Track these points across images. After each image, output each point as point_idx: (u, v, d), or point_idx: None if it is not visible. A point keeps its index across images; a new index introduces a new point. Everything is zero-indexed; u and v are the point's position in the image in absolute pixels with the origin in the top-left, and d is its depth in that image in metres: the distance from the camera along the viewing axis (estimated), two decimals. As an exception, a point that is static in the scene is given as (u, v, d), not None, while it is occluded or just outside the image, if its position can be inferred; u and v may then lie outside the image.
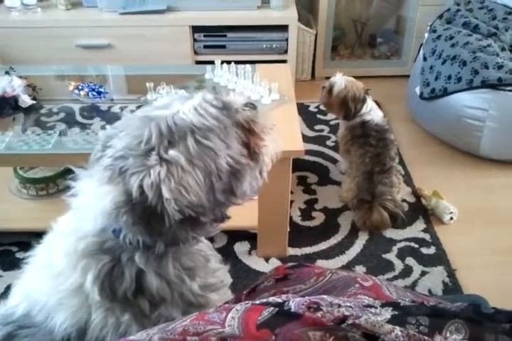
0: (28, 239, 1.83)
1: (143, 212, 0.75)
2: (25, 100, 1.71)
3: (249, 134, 0.84)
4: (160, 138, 0.76)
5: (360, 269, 1.73)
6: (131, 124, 0.81)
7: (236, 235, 1.83)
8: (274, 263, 1.75)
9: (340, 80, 1.97)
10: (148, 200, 0.74)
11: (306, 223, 1.94)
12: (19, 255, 1.78)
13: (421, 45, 2.52)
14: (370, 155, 1.92)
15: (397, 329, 0.59)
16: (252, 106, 0.88)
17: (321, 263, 1.76)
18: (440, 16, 2.51)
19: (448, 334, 0.61)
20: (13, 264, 1.73)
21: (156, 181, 0.74)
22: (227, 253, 1.72)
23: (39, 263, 0.89)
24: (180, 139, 0.77)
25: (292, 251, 1.80)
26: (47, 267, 0.86)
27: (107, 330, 0.83)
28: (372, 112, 1.95)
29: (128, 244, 0.80)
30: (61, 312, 0.83)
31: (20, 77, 1.79)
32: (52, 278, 0.84)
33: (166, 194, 0.74)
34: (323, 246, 1.83)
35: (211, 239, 1.01)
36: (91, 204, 0.79)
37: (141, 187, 0.74)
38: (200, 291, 0.88)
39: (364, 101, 1.95)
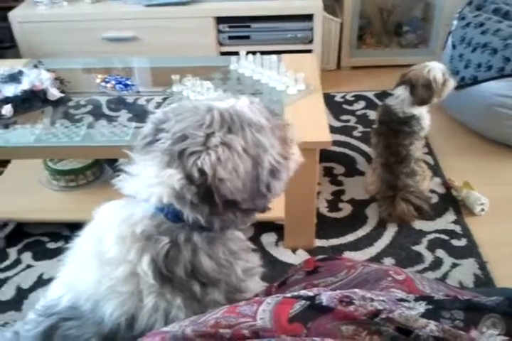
0: (59, 229, 1.87)
1: (205, 193, 0.80)
2: (54, 93, 1.73)
3: (282, 140, 0.90)
4: (222, 124, 0.82)
5: (388, 261, 1.71)
6: (189, 109, 0.86)
7: (263, 226, 1.82)
8: (301, 254, 1.75)
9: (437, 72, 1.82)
10: (208, 180, 0.79)
11: (333, 214, 1.93)
12: (50, 245, 1.82)
13: (449, 32, 2.46)
14: (381, 145, 1.90)
15: (432, 324, 0.58)
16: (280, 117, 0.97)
17: (348, 254, 1.74)
18: (469, 3, 2.44)
19: (484, 329, 0.60)
20: (45, 254, 1.78)
21: (215, 161, 0.79)
22: (254, 245, 1.72)
23: (83, 253, 0.89)
24: (239, 129, 0.83)
25: (319, 243, 1.79)
26: (93, 256, 0.85)
27: (156, 317, 0.83)
28: (401, 102, 1.85)
29: (185, 226, 0.84)
30: (111, 300, 0.83)
31: (48, 70, 1.81)
32: (101, 266, 0.84)
33: (222, 174, 0.79)
34: (350, 237, 1.82)
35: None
36: (152, 187, 0.82)
37: (201, 167, 0.79)
38: (242, 275, 0.91)
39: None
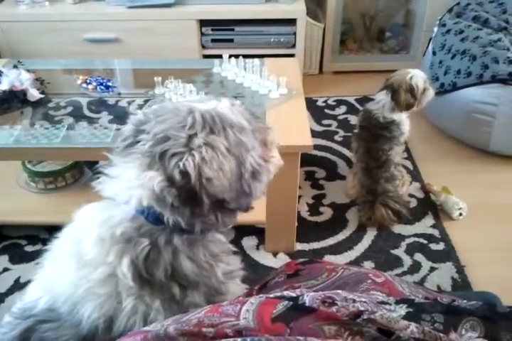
0: (37, 232, 1.84)
1: (187, 195, 0.80)
2: (34, 94, 1.71)
3: (262, 143, 0.91)
4: (203, 125, 0.82)
5: (368, 265, 1.72)
6: (170, 111, 0.85)
7: (244, 230, 1.82)
8: (282, 258, 1.75)
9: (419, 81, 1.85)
10: (192, 182, 0.78)
11: (314, 218, 1.94)
12: (28, 248, 1.78)
13: (430, 39, 2.50)
14: (361, 150, 1.92)
15: (413, 326, 0.58)
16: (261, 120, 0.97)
17: (329, 258, 1.75)
18: (450, 10, 2.48)
19: (463, 332, 0.61)
20: (22, 257, 1.74)
21: (200, 161, 0.78)
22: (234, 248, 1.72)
23: (62, 255, 0.88)
24: (221, 130, 0.83)
25: (300, 246, 1.79)
26: (72, 258, 0.85)
27: (135, 319, 0.82)
28: (382, 107, 1.88)
29: (166, 228, 0.83)
30: (89, 302, 0.82)
31: (28, 70, 1.79)
32: (80, 268, 0.83)
33: (209, 173, 0.79)
34: (331, 241, 1.83)
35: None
36: (132, 189, 0.82)
37: (183, 169, 0.78)
38: (222, 278, 0.91)
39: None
